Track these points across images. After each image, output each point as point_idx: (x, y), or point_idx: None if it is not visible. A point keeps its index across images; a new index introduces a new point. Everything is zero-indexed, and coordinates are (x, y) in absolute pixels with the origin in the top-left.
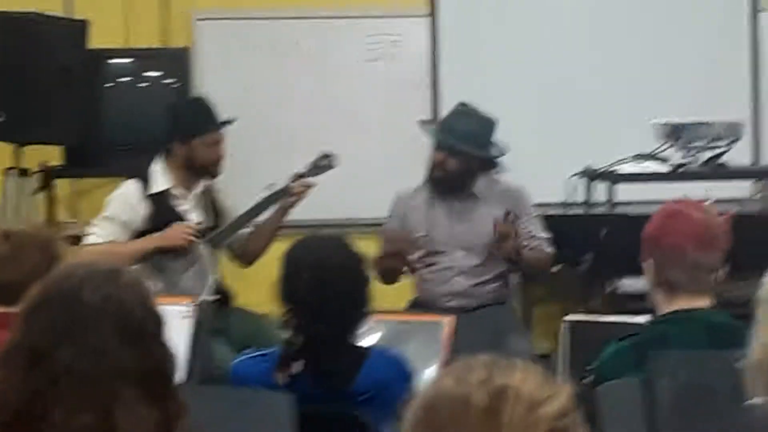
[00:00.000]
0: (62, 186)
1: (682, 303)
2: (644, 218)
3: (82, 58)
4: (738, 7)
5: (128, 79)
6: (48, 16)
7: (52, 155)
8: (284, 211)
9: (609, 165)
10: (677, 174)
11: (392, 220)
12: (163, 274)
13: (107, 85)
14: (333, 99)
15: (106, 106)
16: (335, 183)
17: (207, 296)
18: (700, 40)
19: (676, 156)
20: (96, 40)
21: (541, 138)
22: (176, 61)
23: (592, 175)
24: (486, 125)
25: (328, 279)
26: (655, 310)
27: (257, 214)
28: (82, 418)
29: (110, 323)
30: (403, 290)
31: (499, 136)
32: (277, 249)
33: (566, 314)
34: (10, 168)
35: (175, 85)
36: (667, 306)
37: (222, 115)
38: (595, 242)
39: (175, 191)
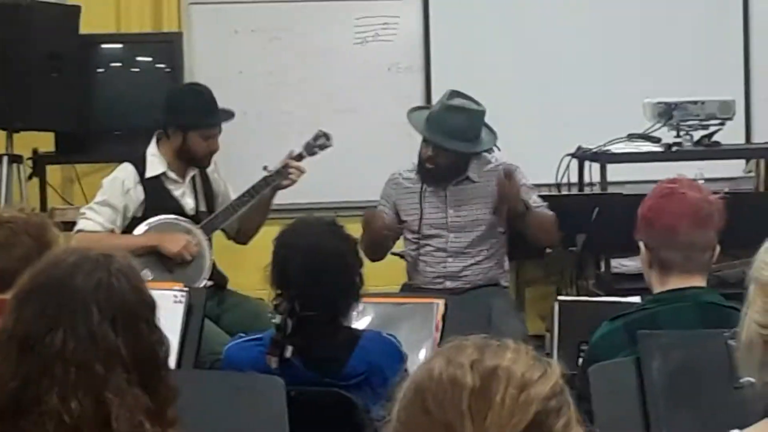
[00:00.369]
0: (54, 172)
1: (676, 282)
2: (637, 198)
3: (74, 44)
4: None
5: (120, 64)
6: (40, 2)
7: (44, 141)
8: (275, 190)
9: (601, 145)
10: (670, 153)
11: (385, 200)
12: (158, 260)
13: (99, 70)
14: (325, 82)
15: (98, 91)
16: (326, 166)
17: (202, 281)
18: (693, 19)
19: (668, 135)
20: (87, 26)
21: (533, 119)
22: (168, 45)
23: (584, 156)
24: (475, 117)
25: (319, 263)
26: (650, 289)
27: (252, 198)
28: (74, 404)
29: (102, 309)
30: (395, 273)
31: (491, 117)
32: (269, 233)
33: (559, 295)
34: (2, 155)
35: (167, 70)
36: (661, 286)
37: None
38: (587, 223)
39: (170, 174)
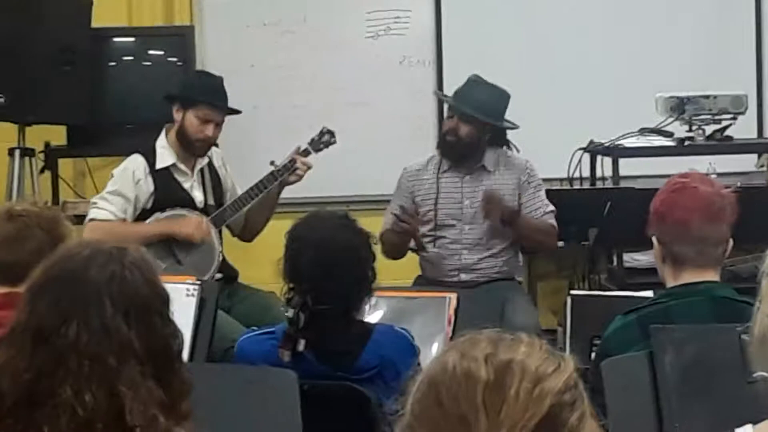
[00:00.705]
0: (66, 165)
1: (689, 277)
2: (649, 192)
3: (86, 38)
4: None
5: (132, 58)
6: None
7: (56, 135)
8: (282, 186)
9: (613, 139)
10: (682, 148)
11: (399, 194)
12: (169, 251)
13: (111, 64)
14: (336, 76)
15: (110, 85)
16: (338, 160)
17: (212, 274)
18: (705, 13)
19: (680, 130)
20: (99, 19)
21: (545, 112)
22: (180, 39)
23: (596, 150)
24: (500, 97)
25: (332, 256)
26: (663, 283)
27: (259, 193)
28: (88, 396)
29: (115, 301)
30: (408, 267)
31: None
32: (281, 227)
33: (571, 289)
34: (14, 148)
35: (178, 64)
36: (674, 280)
37: (228, 95)
38: (599, 217)
39: (179, 166)
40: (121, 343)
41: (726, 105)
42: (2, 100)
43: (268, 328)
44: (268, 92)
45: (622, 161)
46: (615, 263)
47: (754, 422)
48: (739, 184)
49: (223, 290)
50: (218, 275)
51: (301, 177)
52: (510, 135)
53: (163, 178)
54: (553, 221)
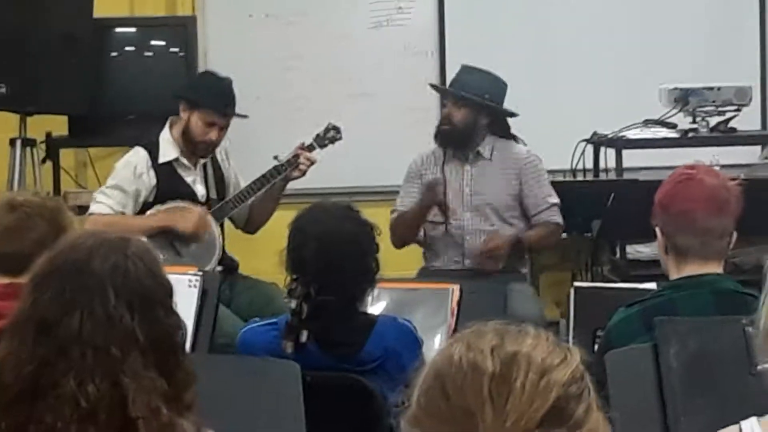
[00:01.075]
0: (67, 156)
1: (693, 268)
2: (653, 184)
3: (87, 27)
4: None
5: (133, 48)
6: None
7: (58, 125)
8: (286, 181)
9: (617, 131)
10: (686, 139)
11: (408, 187)
12: (170, 243)
13: (113, 54)
14: (340, 67)
15: (112, 75)
16: (342, 151)
17: (212, 266)
18: (709, 4)
19: (684, 121)
20: (101, 9)
21: (548, 104)
22: (182, 30)
23: (599, 141)
24: (494, 82)
25: (335, 248)
26: (666, 275)
27: (262, 187)
28: (91, 387)
29: (119, 292)
30: (412, 259)
31: (506, 102)
32: (284, 218)
33: (574, 281)
34: (16, 138)
35: (180, 55)
36: (678, 272)
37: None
38: (603, 209)
39: (182, 160)
40: (125, 333)
41: (730, 96)
42: (3, 90)
43: (271, 319)
44: (270, 83)
45: (625, 153)
46: (618, 255)
47: (759, 414)
48: (742, 176)
49: (224, 281)
50: (218, 267)
51: (304, 172)
52: (514, 126)
53: (166, 172)
54: (557, 218)
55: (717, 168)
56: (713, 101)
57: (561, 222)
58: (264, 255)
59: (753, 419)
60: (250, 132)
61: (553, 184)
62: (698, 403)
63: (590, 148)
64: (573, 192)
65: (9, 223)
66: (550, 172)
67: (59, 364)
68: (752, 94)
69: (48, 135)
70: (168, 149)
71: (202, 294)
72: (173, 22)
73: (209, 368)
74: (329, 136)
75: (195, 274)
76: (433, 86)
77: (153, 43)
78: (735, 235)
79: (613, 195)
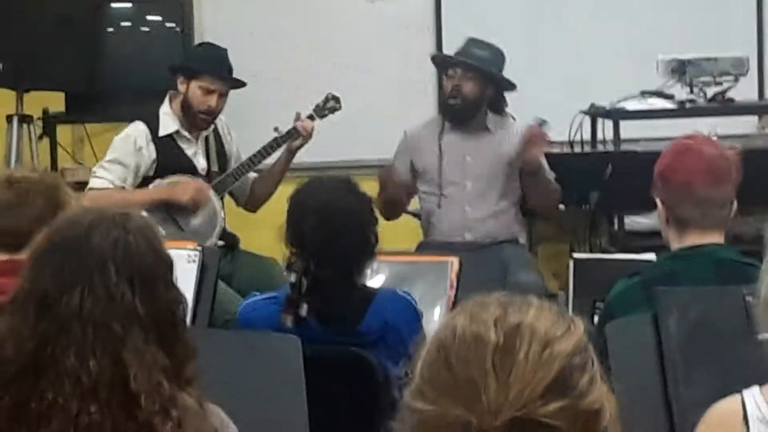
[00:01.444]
0: (64, 132)
1: (693, 239)
2: (651, 155)
3: (84, 4)
4: None
5: (130, 23)
6: None
7: (54, 101)
8: (290, 154)
9: (615, 102)
10: (683, 110)
11: (400, 157)
12: (170, 217)
13: (109, 30)
14: (336, 41)
15: (108, 51)
16: (339, 125)
17: (213, 240)
18: None
19: (681, 92)
20: None
21: (546, 76)
22: (178, 5)
23: (597, 113)
24: (498, 55)
25: (334, 221)
26: (667, 246)
27: (263, 159)
28: (92, 363)
29: (119, 268)
30: (411, 232)
31: (505, 74)
32: (283, 192)
33: (573, 252)
34: (12, 115)
35: (176, 30)
36: (679, 242)
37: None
38: (601, 180)
39: (183, 133)
40: (126, 309)
41: (727, 67)
42: (0, 66)
43: (271, 293)
44: (267, 59)
45: (623, 124)
46: (616, 226)
47: (761, 384)
48: (740, 146)
49: (225, 257)
50: (220, 242)
51: (305, 141)
52: (511, 97)
53: (166, 146)
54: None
55: (715, 138)
56: (710, 72)
57: (559, 189)
58: (264, 230)
59: (755, 388)
60: (247, 108)
61: (551, 156)
62: (699, 373)
63: (588, 120)
64: (571, 164)
65: (7, 200)
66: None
67: (60, 340)
68: (749, 64)
69: (45, 111)
70: (168, 122)
71: (201, 269)
72: None
73: (209, 342)
74: (329, 106)
75: (194, 249)
76: (441, 57)
77: (149, 18)
78: (735, 204)
79: (611, 166)
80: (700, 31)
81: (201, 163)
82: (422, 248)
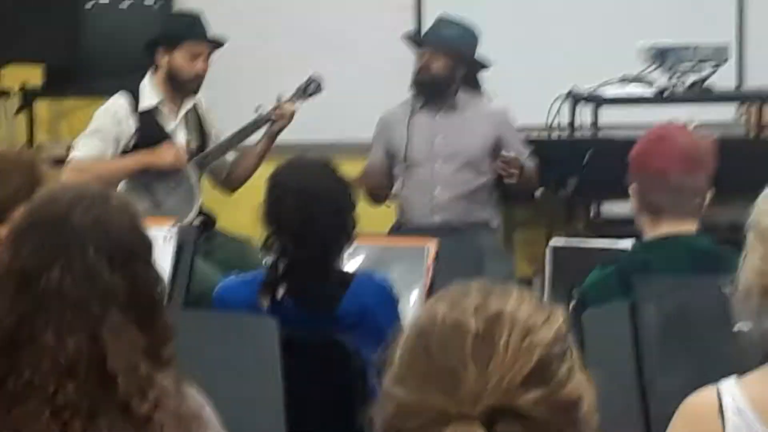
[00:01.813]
0: (42, 107)
1: (667, 227)
2: (629, 142)
3: None
4: None
5: None
6: None
7: (33, 76)
8: (271, 138)
9: (594, 87)
10: (662, 97)
11: (376, 144)
12: (148, 193)
13: (88, 4)
14: (317, 18)
15: (88, 25)
16: (320, 104)
17: (190, 219)
18: None
19: (661, 79)
20: None
21: (525, 60)
22: None
23: (576, 98)
24: (470, 34)
25: (312, 203)
26: (641, 234)
27: (244, 138)
28: (70, 342)
29: (99, 246)
30: (387, 215)
31: (485, 56)
32: (262, 172)
33: (549, 238)
34: None
35: (156, 5)
36: (652, 230)
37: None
38: (579, 166)
39: (163, 109)
40: (105, 288)
41: (708, 55)
42: None
43: (247, 274)
44: (247, 36)
45: (601, 110)
46: (593, 213)
47: (737, 375)
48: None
49: (201, 236)
50: (197, 220)
51: (286, 124)
52: (489, 80)
53: (146, 120)
54: (534, 163)
55: (694, 125)
56: (690, 59)
57: (536, 166)
58: (241, 209)
59: (731, 379)
60: (226, 85)
61: (529, 141)
62: (675, 363)
63: (567, 105)
64: (549, 149)
65: None
66: (527, 128)
67: (38, 318)
68: (730, 52)
69: (23, 86)
70: (149, 96)
71: (177, 248)
72: None
73: (185, 323)
74: (310, 89)
75: (171, 228)
76: (410, 37)
77: None
78: (710, 193)
79: (589, 153)
80: (680, 17)
81: (180, 138)
82: (395, 230)
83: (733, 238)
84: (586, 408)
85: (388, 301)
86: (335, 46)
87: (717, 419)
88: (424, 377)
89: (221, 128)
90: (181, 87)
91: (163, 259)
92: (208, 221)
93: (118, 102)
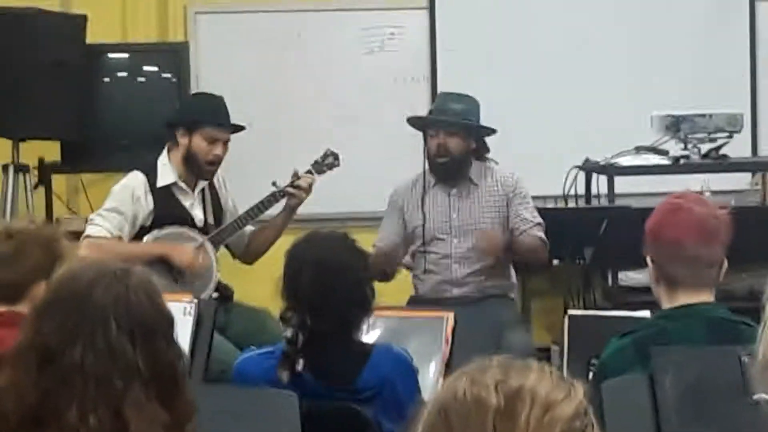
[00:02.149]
0: (59, 181)
1: (684, 298)
2: (645, 211)
3: (80, 53)
4: None
5: (126, 74)
6: (46, 11)
7: (50, 151)
8: (290, 212)
9: (609, 157)
10: (677, 166)
11: (389, 214)
12: (166, 269)
13: (105, 79)
14: (332, 93)
15: (104, 100)
16: (334, 177)
17: (209, 293)
18: (699, 31)
19: (676, 148)
20: (93, 35)
21: (540, 130)
22: (174, 55)
23: (591, 168)
24: (474, 105)
25: (330, 276)
26: (659, 305)
27: (260, 213)
28: (93, 418)
29: (120, 323)
30: (403, 286)
31: (498, 129)
32: (279, 245)
33: (566, 308)
34: (8, 164)
35: (173, 80)
36: (669, 301)
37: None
38: (595, 235)
39: (180, 185)
40: (127, 364)
41: (722, 123)
42: None
43: (267, 347)
44: (263, 109)
45: (617, 179)
46: (610, 282)
47: None
48: (732, 202)
49: (219, 309)
50: (214, 294)
51: (302, 198)
52: (504, 151)
53: (163, 197)
54: (541, 234)
55: (707, 194)
56: (705, 128)
57: (546, 240)
58: (259, 282)
59: None
60: (243, 159)
61: (545, 210)
62: None
63: (582, 175)
64: (565, 218)
65: (5, 252)
66: (542, 197)
67: (62, 394)
68: (743, 121)
69: (40, 161)
70: (166, 173)
71: (197, 321)
72: (165, 48)
73: (206, 398)
74: (327, 162)
75: (191, 302)
76: (420, 118)
77: (145, 68)
78: (726, 263)
79: (606, 222)
80: (694, 86)
81: (198, 214)
82: (413, 303)
83: (750, 306)
84: None
85: (408, 373)
86: (350, 117)
87: None
88: None
89: (236, 200)
90: (198, 170)
91: (184, 331)
92: (226, 293)
93: (136, 179)
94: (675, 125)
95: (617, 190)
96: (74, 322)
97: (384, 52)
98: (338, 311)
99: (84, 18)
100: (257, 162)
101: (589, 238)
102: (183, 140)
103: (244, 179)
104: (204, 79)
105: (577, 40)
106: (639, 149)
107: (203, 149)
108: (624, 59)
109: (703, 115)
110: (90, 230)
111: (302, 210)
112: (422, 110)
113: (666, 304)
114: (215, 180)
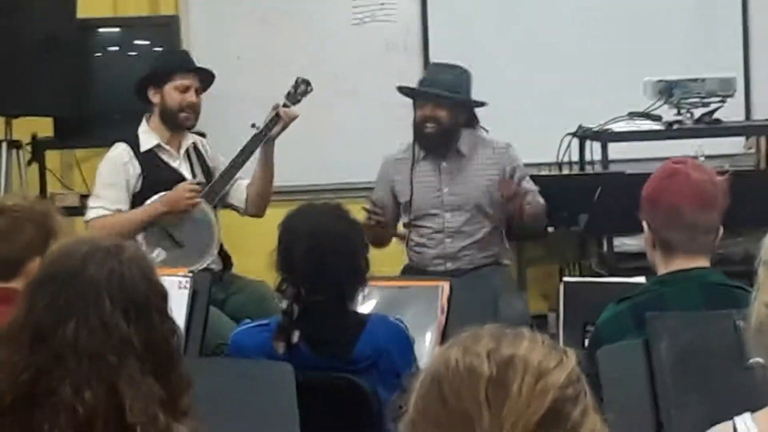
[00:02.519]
0: (53, 157)
1: (680, 263)
2: (639, 177)
3: (71, 28)
4: None
5: (117, 48)
6: None
7: (43, 127)
8: (271, 142)
9: (602, 124)
10: (671, 131)
11: (380, 185)
12: (169, 236)
13: (96, 54)
14: (322, 64)
15: (96, 75)
16: (326, 147)
17: (214, 251)
18: None
19: (669, 113)
20: (84, 10)
21: (533, 98)
22: (165, 29)
23: (585, 135)
24: (464, 76)
25: (325, 247)
26: (654, 270)
27: (246, 158)
28: (87, 395)
29: (114, 299)
30: (397, 256)
31: (491, 97)
32: (274, 217)
33: (561, 275)
34: (1, 140)
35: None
36: (665, 266)
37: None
38: (589, 202)
39: (164, 147)
40: (121, 340)
41: (715, 88)
42: None
43: (263, 320)
44: (254, 82)
45: (611, 145)
46: (605, 248)
47: (752, 409)
48: (727, 166)
49: (217, 282)
50: (212, 266)
51: (284, 127)
52: (497, 119)
53: (149, 160)
54: (541, 200)
55: (702, 159)
56: (698, 93)
57: (544, 204)
58: (254, 254)
59: (746, 415)
60: (234, 132)
61: (539, 177)
62: (690, 398)
63: (576, 142)
64: (559, 186)
65: None
66: (536, 165)
67: (55, 371)
68: (736, 85)
69: (33, 137)
70: (148, 139)
71: (192, 295)
72: (156, 22)
73: (201, 371)
74: (300, 90)
75: (185, 276)
76: (409, 89)
77: (136, 42)
78: (722, 230)
79: (600, 188)
80: (687, 51)
81: (186, 174)
82: (407, 272)
83: (745, 270)
84: None
85: (403, 343)
86: (342, 88)
87: None
88: (439, 422)
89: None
90: (175, 120)
91: (179, 306)
92: (225, 262)
93: (119, 147)
94: (668, 90)
95: (611, 156)
96: (67, 299)
97: (375, 22)
98: (333, 282)
99: None
100: (247, 135)
101: (583, 204)
102: (156, 99)
103: (235, 152)
104: (195, 52)
105: (569, 6)
106: (632, 115)
107: (176, 99)
108: (616, 24)
109: (696, 80)
110: (88, 215)
111: (294, 181)
112: (414, 80)
113: (662, 270)
114: (200, 146)
